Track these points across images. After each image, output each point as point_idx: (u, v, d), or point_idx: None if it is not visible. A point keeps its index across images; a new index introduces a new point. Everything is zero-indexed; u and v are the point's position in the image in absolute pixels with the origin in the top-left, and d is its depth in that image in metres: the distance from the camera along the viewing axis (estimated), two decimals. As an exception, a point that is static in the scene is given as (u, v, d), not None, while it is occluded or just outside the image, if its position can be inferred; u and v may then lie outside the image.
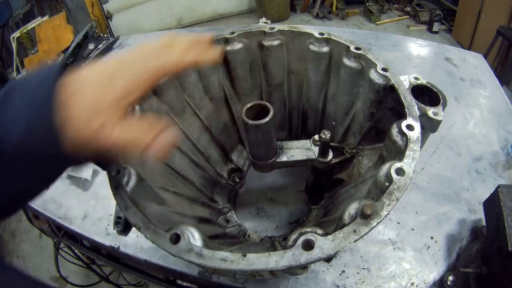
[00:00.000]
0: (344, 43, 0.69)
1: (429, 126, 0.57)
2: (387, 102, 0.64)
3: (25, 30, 3.14)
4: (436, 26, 3.84)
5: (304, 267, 0.64)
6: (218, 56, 0.46)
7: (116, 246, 0.86)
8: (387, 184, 0.46)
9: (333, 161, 0.73)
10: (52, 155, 0.34)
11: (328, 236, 0.41)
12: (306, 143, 0.75)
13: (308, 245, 0.40)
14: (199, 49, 0.44)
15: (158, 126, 0.37)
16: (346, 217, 0.46)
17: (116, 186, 0.50)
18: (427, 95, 0.60)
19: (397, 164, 0.47)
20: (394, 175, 0.46)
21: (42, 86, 0.33)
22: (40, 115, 0.32)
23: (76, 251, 1.31)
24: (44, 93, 0.32)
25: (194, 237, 0.44)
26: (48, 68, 0.35)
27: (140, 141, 0.36)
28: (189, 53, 0.42)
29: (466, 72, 1.29)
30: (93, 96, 0.34)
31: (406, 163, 0.47)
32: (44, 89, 0.33)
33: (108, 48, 1.74)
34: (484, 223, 0.74)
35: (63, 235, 1.11)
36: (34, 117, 0.32)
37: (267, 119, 0.60)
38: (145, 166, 0.64)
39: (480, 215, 0.81)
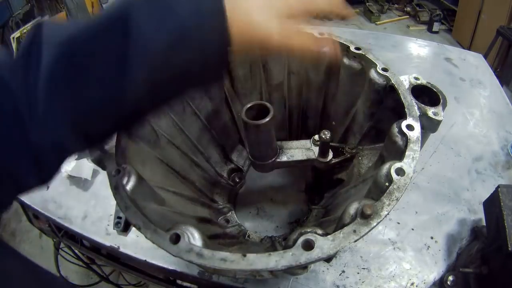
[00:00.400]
0: (344, 43, 0.69)
1: (429, 126, 0.57)
2: (387, 102, 0.64)
3: (25, 30, 3.14)
4: (436, 26, 3.84)
5: (304, 267, 0.64)
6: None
7: (116, 246, 0.86)
8: (387, 184, 0.47)
9: (333, 161, 0.73)
10: (216, 41, 0.32)
11: (328, 236, 0.41)
12: (306, 143, 0.75)
13: (308, 245, 0.40)
14: None
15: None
16: (346, 217, 0.46)
17: (116, 186, 0.50)
18: (427, 95, 0.60)
19: (397, 164, 0.47)
20: (394, 175, 0.46)
21: None
22: (204, 11, 0.30)
23: (76, 251, 1.31)
24: None
25: (194, 237, 0.44)
26: None
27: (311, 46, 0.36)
28: None
29: (466, 72, 1.29)
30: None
31: (406, 163, 0.47)
32: None
33: (108, 48, 1.74)
34: (484, 223, 0.74)
35: (63, 235, 1.11)
36: (196, 12, 0.30)
37: (267, 119, 0.60)
38: (146, 165, 0.64)
39: (480, 215, 0.81)
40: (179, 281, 0.98)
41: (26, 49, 0.30)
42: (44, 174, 0.34)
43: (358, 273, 0.74)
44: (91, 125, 0.33)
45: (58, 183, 1.04)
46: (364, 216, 0.42)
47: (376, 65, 0.63)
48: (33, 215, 1.22)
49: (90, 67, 0.29)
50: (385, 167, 0.49)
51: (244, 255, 0.40)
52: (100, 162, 0.54)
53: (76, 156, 1.03)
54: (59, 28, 0.30)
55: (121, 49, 0.29)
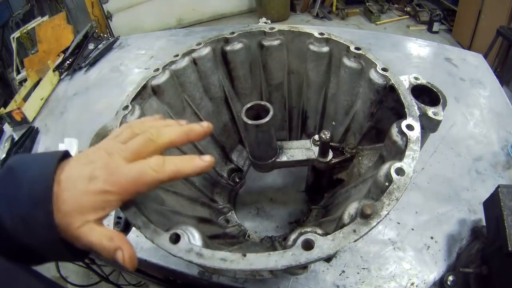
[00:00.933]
0: (344, 43, 0.69)
1: (429, 126, 0.57)
2: (387, 102, 0.64)
3: (25, 30, 3.14)
4: (436, 26, 3.84)
5: (304, 267, 0.64)
6: (206, 164, 0.42)
7: (116, 246, 0.86)
8: (387, 184, 0.46)
9: (333, 161, 0.73)
10: (49, 241, 0.37)
11: (328, 236, 0.41)
12: (306, 143, 0.75)
13: (308, 245, 0.40)
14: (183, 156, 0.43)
15: (121, 240, 0.39)
16: (346, 217, 0.46)
17: (116, 186, 0.50)
18: (427, 95, 0.60)
19: (397, 164, 0.47)
20: (394, 175, 0.46)
21: (42, 175, 0.37)
22: (38, 204, 0.35)
23: (76, 251, 1.31)
24: (43, 184, 0.36)
25: (194, 237, 0.44)
26: (48, 157, 0.39)
27: (108, 248, 0.38)
28: (171, 161, 0.40)
29: (466, 72, 1.29)
30: (75, 197, 0.37)
31: (406, 163, 0.47)
32: (44, 179, 0.36)
33: (108, 48, 1.74)
34: (484, 223, 0.74)
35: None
36: (33, 204, 0.35)
37: (267, 119, 0.60)
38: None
39: (480, 215, 0.81)
40: (179, 281, 0.98)
41: None
42: None
43: (358, 273, 0.74)
44: None
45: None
46: (364, 216, 0.42)
47: (376, 65, 0.63)
48: (33, 215, 1.22)
49: None
50: (385, 167, 0.49)
51: (244, 255, 0.40)
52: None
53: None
54: None
55: None
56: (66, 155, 0.42)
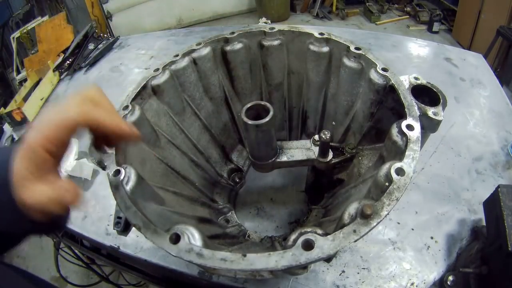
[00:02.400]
0: (344, 43, 0.69)
1: (429, 126, 0.57)
2: (387, 102, 0.64)
3: (25, 30, 3.14)
4: (436, 26, 3.84)
5: (304, 267, 0.64)
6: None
7: (116, 246, 0.86)
8: (387, 184, 0.46)
9: (333, 161, 0.73)
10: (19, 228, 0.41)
11: (328, 236, 0.41)
12: (306, 143, 0.75)
13: (308, 245, 0.40)
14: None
15: (61, 183, 0.40)
16: (346, 217, 0.46)
17: (116, 186, 0.50)
18: (427, 95, 0.60)
19: (397, 164, 0.47)
20: (394, 175, 0.46)
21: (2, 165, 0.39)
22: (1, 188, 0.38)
23: (76, 251, 1.31)
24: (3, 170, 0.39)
25: (194, 237, 0.44)
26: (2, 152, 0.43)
27: (54, 200, 0.39)
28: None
29: (466, 72, 1.29)
30: (15, 167, 0.39)
31: (406, 163, 0.47)
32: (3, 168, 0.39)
33: (108, 48, 1.74)
34: (484, 223, 0.74)
35: (63, 235, 1.11)
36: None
37: (267, 119, 0.60)
38: (146, 165, 0.64)
39: (480, 215, 0.81)
40: (179, 281, 0.98)
41: None
42: None
43: (358, 273, 0.74)
44: None
45: (58, 183, 1.04)
46: (364, 216, 0.42)
47: (376, 65, 0.63)
48: (33, 215, 1.22)
49: None
50: (385, 167, 0.49)
51: (244, 255, 0.40)
52: (100, 162, 0.54)
53: (76, 156, 1.03)
54: None
55: None
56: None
